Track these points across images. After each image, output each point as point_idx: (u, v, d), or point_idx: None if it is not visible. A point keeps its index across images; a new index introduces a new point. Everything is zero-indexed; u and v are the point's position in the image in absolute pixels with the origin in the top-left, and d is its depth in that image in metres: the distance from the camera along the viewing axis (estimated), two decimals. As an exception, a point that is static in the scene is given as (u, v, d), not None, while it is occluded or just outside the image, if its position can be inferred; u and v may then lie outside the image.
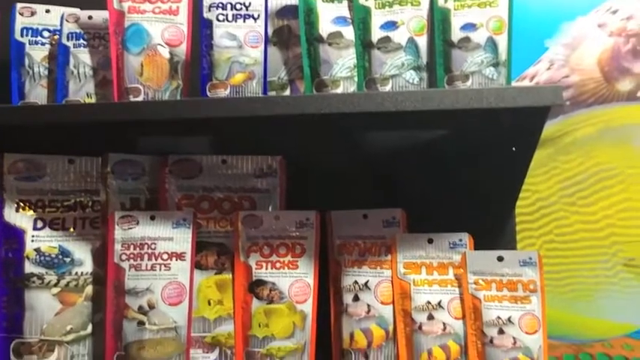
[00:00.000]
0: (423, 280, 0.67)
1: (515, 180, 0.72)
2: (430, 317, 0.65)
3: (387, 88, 0.65)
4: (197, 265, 0.73)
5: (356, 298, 0.69)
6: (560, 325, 0.79)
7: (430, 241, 0.68)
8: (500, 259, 0.64)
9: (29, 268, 0.70)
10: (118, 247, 0.70)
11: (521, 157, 0.69)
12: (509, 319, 0.62)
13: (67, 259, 0.72)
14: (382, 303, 0.68)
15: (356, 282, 0.69)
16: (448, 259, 0.67)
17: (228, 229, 0.74)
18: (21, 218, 0.71)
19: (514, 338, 0.61)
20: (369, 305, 0.68)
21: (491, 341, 0.62)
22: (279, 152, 0.77)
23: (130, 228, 0.71)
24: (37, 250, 0.71)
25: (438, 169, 0.80)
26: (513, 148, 0.74)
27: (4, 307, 0.69)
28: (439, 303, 0.65)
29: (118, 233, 0.70)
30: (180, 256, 0.70)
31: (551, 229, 0.79)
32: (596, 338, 0.79)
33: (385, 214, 0.71)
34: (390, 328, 0.67)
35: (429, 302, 0.65)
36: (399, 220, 0.70)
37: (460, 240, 0.67)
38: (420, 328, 0.65)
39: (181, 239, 0.71)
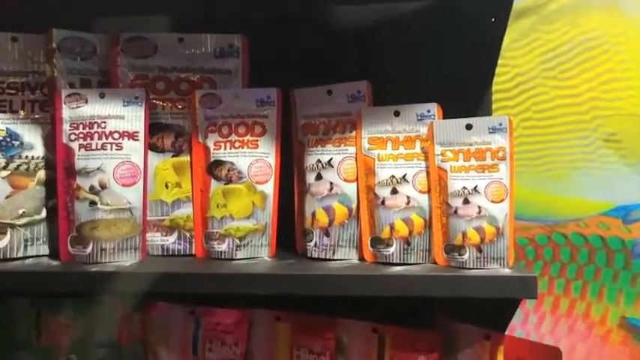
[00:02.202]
0: (388, 155, 0.63)
1: (490, 52, 0.66)
2: (394, 191, 0.62)
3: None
4: (153, 148, 0.69)
5: (319, 177, 0.65)
6: (533, 205, 0.75)
7: (397, 113, 0.63)
8: (468, 127, 0.60)
9: (-26, 149, 0.66)
10: (66, 126, 0.66)
11: (496, 23, 0.63)
12: (475, 189, 0.58)
13: (16, 142, 0.68)
14: (345, 180, 0.64)
15: (319, 160, 0.65)
16: (415, 132, 0.62)
17: (186, 111, 0.70)
18: (-39, 97, 0.66)
19: (479, 207, 0.58)
20: (331, 183, 0.64)
21: (455, 212, 0.59)
22: (240, 30, 0.71)
23: (79, 107, 0.66)
24: (-18, 132, 0.67)
25: (410, 43, 0.74)
26: (492, 19, 0.68)
27: (-51, 189, 0.66)
28: (404, 177, 0.62)
29: (66, 112, 0.66)
30: (132, 136, 0.66)
31: (529, 105, 0.74)
32: (571, 218, 0.75)
33: (350, 88, 0.66)
34: (354, 205, 0.64)
35: (393, 176, 0.62)
36: (364, 94, 0.65)
37: (428, 111, 0.62)
38: (382, 202, 0.62)
39: (133, 118, 0.66)
